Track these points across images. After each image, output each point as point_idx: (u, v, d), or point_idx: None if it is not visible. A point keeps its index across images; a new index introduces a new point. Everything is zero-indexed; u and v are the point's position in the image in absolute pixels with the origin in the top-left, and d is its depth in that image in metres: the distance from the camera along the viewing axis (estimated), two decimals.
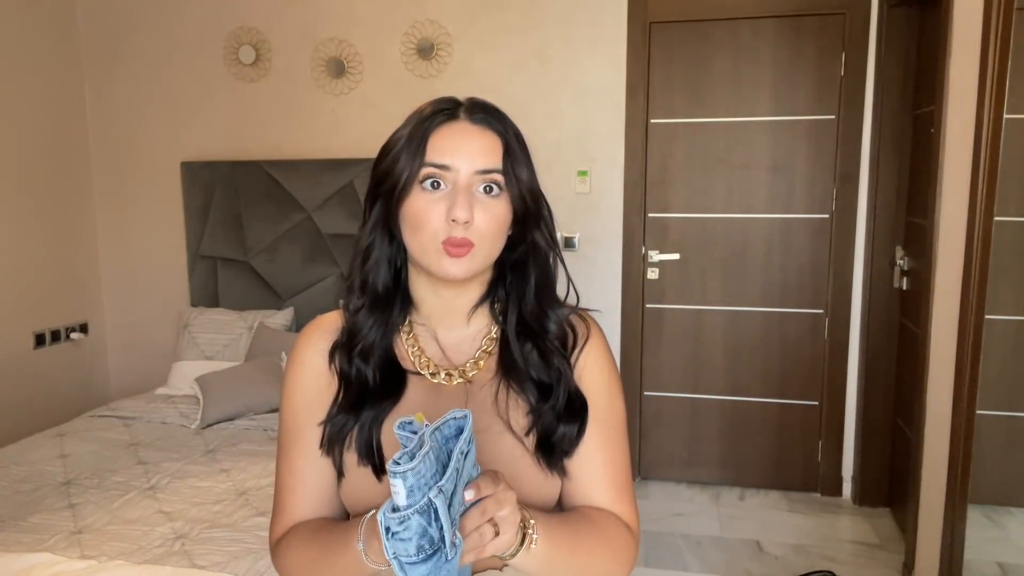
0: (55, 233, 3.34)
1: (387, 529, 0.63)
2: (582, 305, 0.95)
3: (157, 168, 3.46)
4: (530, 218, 0.87)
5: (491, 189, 0.83)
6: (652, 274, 3.22)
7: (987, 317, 2.15)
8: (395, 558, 0.63)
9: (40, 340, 3.25)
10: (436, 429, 0.65)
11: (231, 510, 1.94)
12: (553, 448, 0.86)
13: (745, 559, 2.65)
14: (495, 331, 0.92)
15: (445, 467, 0.64)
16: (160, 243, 3.50)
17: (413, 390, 0.88)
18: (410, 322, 0.92)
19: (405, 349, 0.91)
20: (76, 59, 3.43)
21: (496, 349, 0.91)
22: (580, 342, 0.92)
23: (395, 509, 0.63)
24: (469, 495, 0.67)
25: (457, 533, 0.65)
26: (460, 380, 0.89)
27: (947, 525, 2.24)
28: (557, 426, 0.86)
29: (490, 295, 0.92)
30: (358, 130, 3.26)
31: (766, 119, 3.06)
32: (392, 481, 0.62)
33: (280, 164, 3.27)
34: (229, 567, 1.65)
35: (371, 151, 3.72)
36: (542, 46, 3.10)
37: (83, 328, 3.48)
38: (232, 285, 3.37)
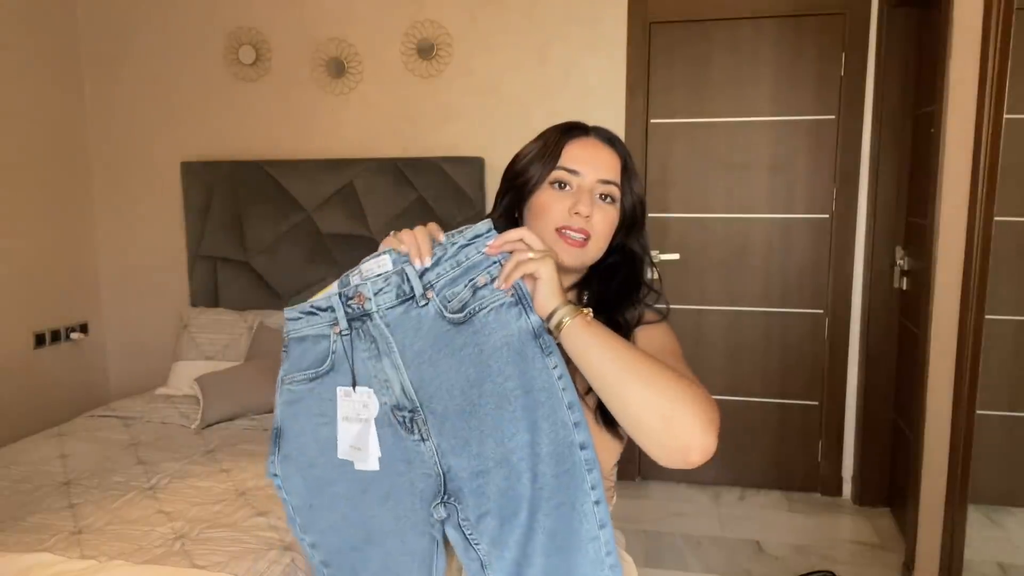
0: (55, 233, 3.34)
1: (375, 293, 0.91)
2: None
3: (157, 168, 3.46)
4: (635, 227, 1.07)
5: (606, 198, 1.02)
6: (652, 274, 3.21)
7: (987, 317, 2.15)
8: (378, 310, 0.91)
9: (40, 340, 3.25)
10: (455, 235, 0.91)
11: (231, 510, 1.94)
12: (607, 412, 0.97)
13: (745, 559, 2.65)
14: None
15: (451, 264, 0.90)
16: (160, 243, 3.50)
17: None
18: None
19: None
20: (76, 59, 3.43)
21: None
22: (643, 321, 1.07)
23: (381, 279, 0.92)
24: (487, 250, 0.88)
25: (431, 294, 0.89)
26: None
27: (947, 525, 2.24)
28: None
29: (579, 290, 1.08)
30: (358, 130, 3.25)
31: (766, 119, 3.06)
32: (380, 256, 0.91)
33: (280, 164, 3.27)
34: (229, 567, 1.65)
35: (371, 151, 3.72)
36: (542, 46, 3.10)
37: (83, 328, 3.48)
38: (232, 285, 3.37)
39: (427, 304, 0.89)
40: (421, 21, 3.15)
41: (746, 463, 3.25)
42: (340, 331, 0.93)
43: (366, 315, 0.91)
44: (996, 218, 2.11)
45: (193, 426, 2.63)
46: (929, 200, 2.27)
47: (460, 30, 3.13)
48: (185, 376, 3.05)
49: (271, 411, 2.83)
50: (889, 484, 3.02)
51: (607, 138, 1.06)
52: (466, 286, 0.88)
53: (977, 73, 2.06)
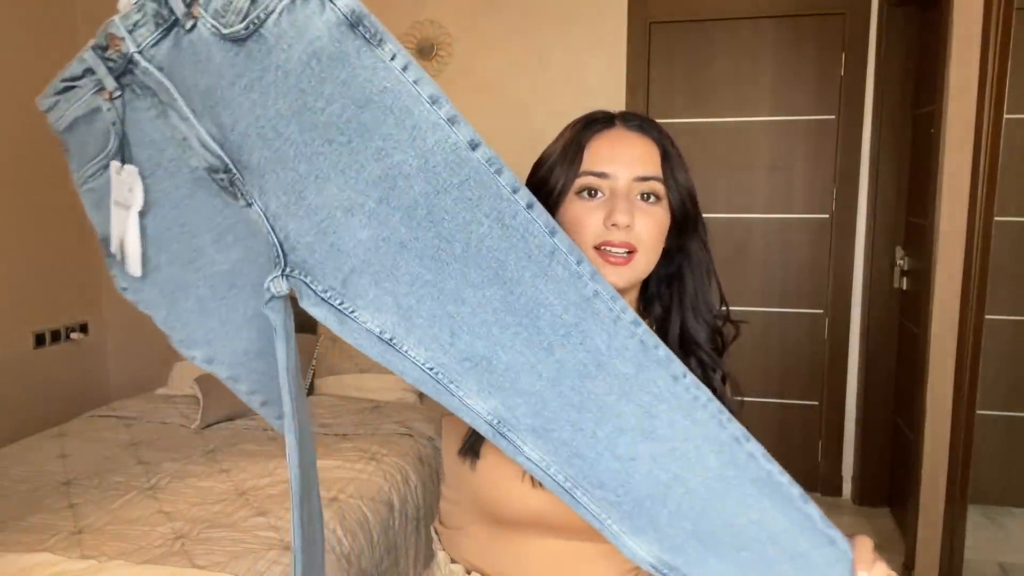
0: (55, 233, 3.34)
1: (132, 27, 0.68)
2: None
3: None
4: (688, 224, 0.87)
5: (649, 197, 0.83)
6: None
7: (987, 317, 2.15)
8: (139, 49, 0.68)
9: (40, 340, 3.25)
10: None
11: (231, 510, 1.94)
12: None
13: None
14: None
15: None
16: None
17: None
18: None
19: None
20: None
21: None
22: (728, 344, 0.95)
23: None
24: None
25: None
26: None
27: (947, 525, 2.24)
28: None
29: (642, 313, 0.92)
30: None
31: (766, 119, 3.06)
32: None
33: None
34: (229, 567, 1.65)
35: None
36: (542, 46, 3.10)
37: (83, 328, 3.47)
38: None
39: (195, 25, 0.64)
40: (421, 21, 3.15)
41: None
42: (111, 94, 0.72)
43: (131, 63, 0.69)
44: (996, 218, 2.11)
45: (193, 426, 2.63)
46: (929, 200, 2.28)
47: (460, 30, 3.14)
48: (185, 376, 3.05)
49: None
50: (889, 484, 3.02)
51: (638, 124, 0.85)
52: None
53: (977, 73, 2.06)
